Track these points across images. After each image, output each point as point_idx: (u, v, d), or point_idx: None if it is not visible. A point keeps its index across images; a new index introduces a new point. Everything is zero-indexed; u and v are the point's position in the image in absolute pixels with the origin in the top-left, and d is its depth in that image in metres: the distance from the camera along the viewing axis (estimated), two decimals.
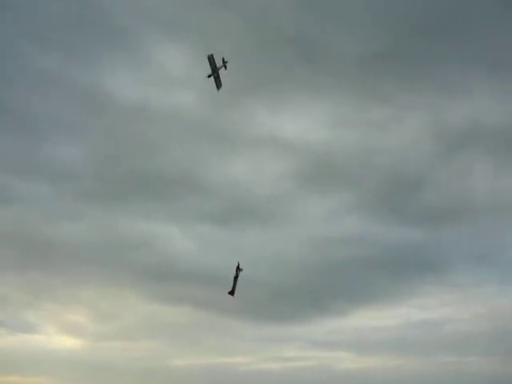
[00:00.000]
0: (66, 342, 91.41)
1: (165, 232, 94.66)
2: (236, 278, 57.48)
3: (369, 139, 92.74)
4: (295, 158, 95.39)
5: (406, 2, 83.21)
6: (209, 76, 56.99)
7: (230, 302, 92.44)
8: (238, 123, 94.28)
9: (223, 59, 57.99)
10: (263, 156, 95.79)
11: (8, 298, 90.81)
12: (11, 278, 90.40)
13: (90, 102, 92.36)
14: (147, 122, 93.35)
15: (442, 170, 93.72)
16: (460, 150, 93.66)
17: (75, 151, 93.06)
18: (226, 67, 58.01)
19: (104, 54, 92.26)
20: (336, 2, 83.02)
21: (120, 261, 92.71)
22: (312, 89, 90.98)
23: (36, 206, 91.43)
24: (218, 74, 57.70)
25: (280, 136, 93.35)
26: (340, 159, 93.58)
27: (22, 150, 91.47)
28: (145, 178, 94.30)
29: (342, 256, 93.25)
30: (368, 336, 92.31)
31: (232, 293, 57.43)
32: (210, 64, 56.91)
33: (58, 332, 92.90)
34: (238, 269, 57.65)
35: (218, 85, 58.33)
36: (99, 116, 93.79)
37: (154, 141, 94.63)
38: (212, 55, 56.98)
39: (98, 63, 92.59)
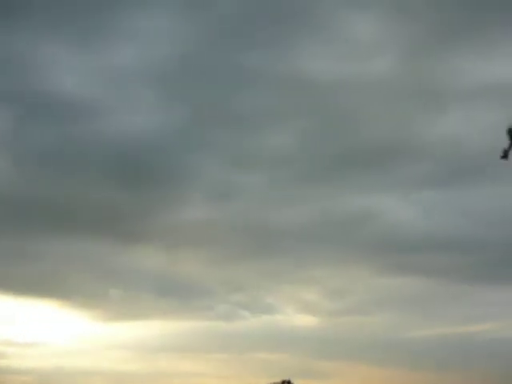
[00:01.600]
0: (304, 320, 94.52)
1: (385, 203, 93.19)
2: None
3: None
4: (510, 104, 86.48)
5: None
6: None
7: (463, 267, 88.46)
8: (444, 77, 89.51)
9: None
10: (476, 107, 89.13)
11: (247, 283, 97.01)
12: (248, 266, 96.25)
13: (292, 87, 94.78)
14: (349, 95, 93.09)
15: None
16: None
17: (285, 137, 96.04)
18: None
19: (296, 37, 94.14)
20: None
21: (345, 237, 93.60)
22: None
23: (256, 195, 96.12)
24: None
25: (492, 83, 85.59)
26: None
27: (235, 145, 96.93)
28: (357, 151, 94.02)
29: None
30: None
31: (505, 156, 50.64)
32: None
33: (296, 311, 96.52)
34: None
35: None
36: (303, 99, 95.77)
37: (359, 112, 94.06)
38: None
39: (293, 48, 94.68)
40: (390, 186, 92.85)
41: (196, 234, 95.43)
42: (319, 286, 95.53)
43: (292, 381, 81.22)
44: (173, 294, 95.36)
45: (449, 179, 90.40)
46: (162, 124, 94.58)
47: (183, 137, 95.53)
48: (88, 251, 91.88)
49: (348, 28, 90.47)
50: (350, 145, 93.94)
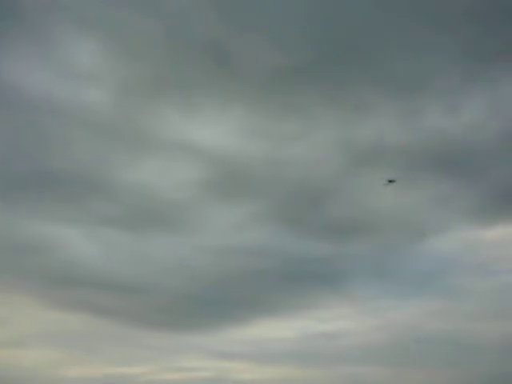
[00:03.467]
0: None
1: (66, 235, 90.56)
2: None
3: (279, 151, 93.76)
4: (205, 164, 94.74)
5: (325, 26, 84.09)
6: None
7: (130, 309, 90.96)
8: (150, 126, 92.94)
9: None
10: (173, 161, 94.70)
11: None
12: None
13: None
14: (53, 117, 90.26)
15: (348, 185, 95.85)
16: (366, 166, 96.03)
17: None
18: None
19: (10, 42, 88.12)
20: (261, 16, 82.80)
21: (16, 264, 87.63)
22: (226, 97, 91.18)
23: None
24: None
25: (191, 142, 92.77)
26: (249, 169, 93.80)
27: None
28: (47, 176, 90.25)
29: (246, 266, 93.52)
30: (268, 347, 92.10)
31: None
32: None
33: None
34: None
35: None
36: (4, 109, 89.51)
37: (60, 137, 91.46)
38: None
39: (4, 54, 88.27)
40: (75, 219, 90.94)
41: None
42: None
43: None
44: None
45: (135, 223, 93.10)
46: None
47: None
48: None
49: (72, 50, 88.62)
50: (42, 169, 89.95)
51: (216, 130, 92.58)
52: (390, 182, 71.51)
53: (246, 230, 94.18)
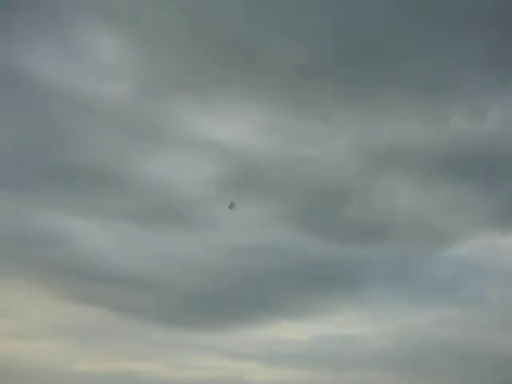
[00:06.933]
0: None
1: (82, 228, 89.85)
2: None
3: (299, 150, 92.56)
4: (223, 162, 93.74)
5: (348, 24, 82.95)
6: None
7: (143, 305, 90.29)
8: (168, 120, 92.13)
9: None
10: (190, 157, 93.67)
11: None
12: None
13: (8, 83, 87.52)
14: (72, 110, 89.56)
15: (368, 188, 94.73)
16: (386, 168, 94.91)
17: None
18: None
19: (29, 29, 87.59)
20: (289, 12, 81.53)
21: (29, 255, 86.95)
22: (247, 93, 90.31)
23: None
24: None
25: (210, 138, 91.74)
26: (268, 168, 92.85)
27: None
28: (64, 169, 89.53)
29: (261, 266, 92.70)
30: (280, 349, 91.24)
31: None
32: None
33: None
34: None
35: None
36: (17, 99, 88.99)
37: (78, 130, 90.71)
38: None
39: (21, 39, 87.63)
40: (91, 213, 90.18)
41: None
42: None
43: None
44: None
45: (149, 218, 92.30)
46: None
47: None
48: None
49: (93, 41, 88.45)
50: (59, 161, 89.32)
51: (234, 127, 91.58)
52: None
53: (262, 230, 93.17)
